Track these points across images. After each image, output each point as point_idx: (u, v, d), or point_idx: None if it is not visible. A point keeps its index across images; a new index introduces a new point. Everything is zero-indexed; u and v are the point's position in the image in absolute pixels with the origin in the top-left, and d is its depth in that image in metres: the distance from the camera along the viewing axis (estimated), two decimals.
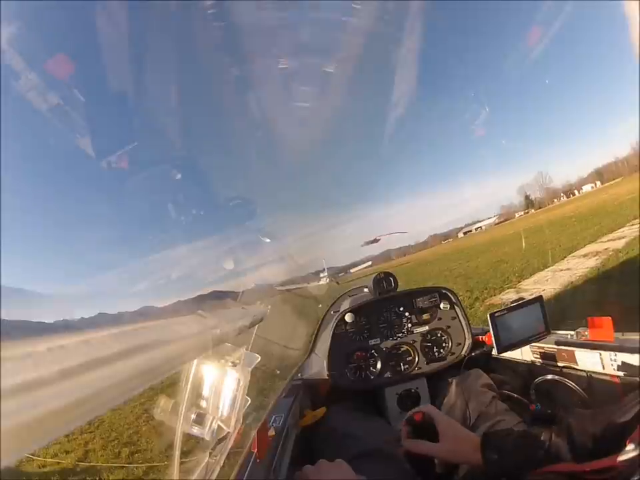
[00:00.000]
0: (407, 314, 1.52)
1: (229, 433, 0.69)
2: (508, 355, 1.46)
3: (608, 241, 8.48)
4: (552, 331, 1.30)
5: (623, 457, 0.47)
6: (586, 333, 1.20)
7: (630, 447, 0.47)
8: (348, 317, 1.47)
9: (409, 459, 0.92)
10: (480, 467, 0.80)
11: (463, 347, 1.48)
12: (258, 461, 0.84)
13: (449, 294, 1.53)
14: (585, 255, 7.84)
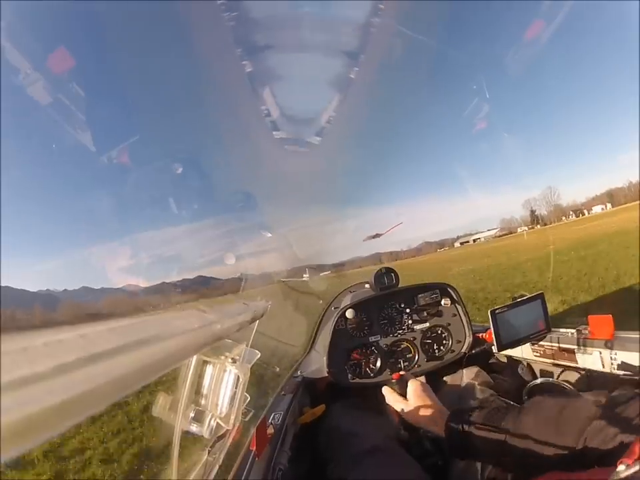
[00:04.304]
0: (407, 310, 1.51)
1: (227, 430, 0.68)
2: (508, 352, 1.46)
3: None
4: (552, 329, 1.30)
5: (615, 477, 0.45)
6: (586, 331, 1.19)
7: (621, 467, 0.45)
8: (348, 313, 1.45)
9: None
10: (439, 436, 0.84)
11: (463, 345, 1.48)
12: (257, 458, 0.84)
13: (450, 290, 1.52)
14: None
